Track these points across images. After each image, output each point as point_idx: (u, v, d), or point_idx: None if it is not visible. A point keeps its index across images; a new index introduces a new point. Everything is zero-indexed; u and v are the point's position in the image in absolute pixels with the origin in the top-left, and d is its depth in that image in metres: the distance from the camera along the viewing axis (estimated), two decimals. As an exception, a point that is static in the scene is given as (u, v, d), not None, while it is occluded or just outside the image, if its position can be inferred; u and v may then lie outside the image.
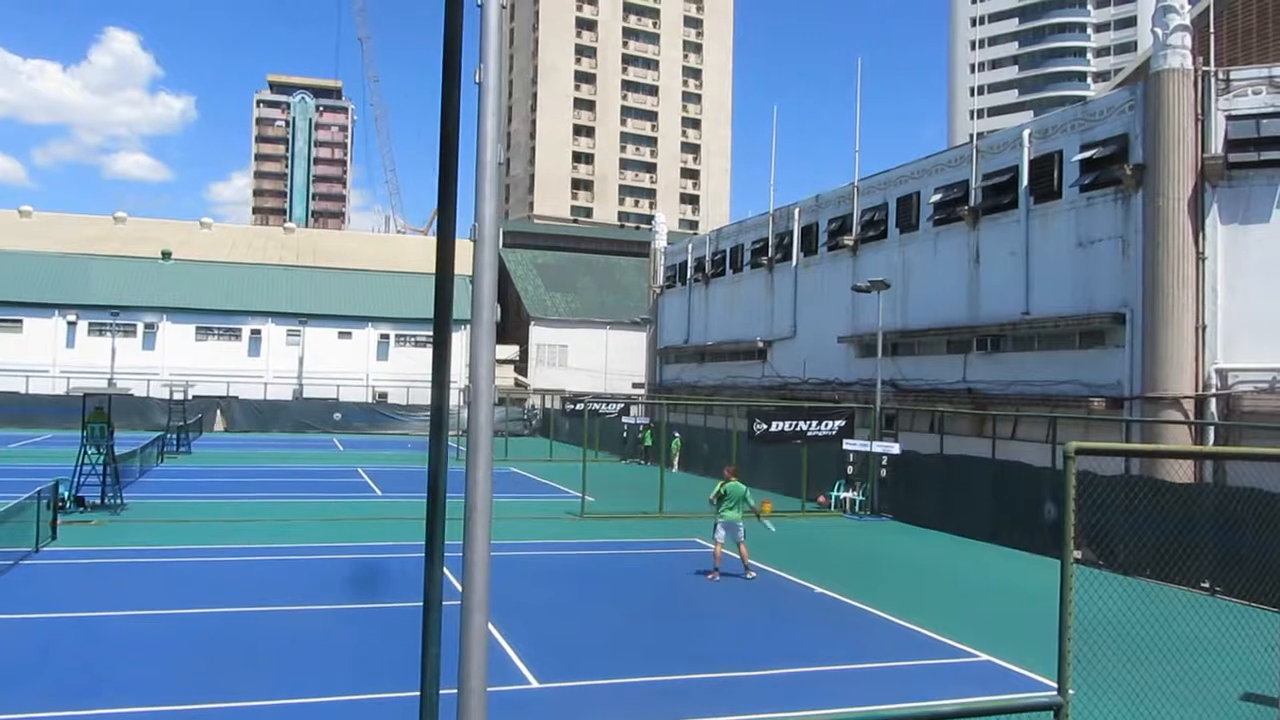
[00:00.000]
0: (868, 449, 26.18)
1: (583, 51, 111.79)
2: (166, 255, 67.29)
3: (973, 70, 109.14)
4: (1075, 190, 26.25)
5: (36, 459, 35.05)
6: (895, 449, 26.01)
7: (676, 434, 39.27)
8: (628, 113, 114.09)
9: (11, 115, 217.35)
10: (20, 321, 58.67)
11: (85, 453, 23.17)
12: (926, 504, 25.03)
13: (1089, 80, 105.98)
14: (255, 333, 62.23)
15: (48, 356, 58.28)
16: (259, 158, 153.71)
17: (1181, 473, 19.72)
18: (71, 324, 59.11)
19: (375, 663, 11.77)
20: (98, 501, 23.02)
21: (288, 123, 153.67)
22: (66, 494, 21.89)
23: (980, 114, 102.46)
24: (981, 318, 29.46)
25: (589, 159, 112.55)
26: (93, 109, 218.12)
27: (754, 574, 17.43)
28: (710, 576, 17.38)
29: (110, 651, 12.00)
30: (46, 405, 51.77)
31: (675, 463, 37.87)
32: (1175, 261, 23.01)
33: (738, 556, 17.50)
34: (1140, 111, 24.04)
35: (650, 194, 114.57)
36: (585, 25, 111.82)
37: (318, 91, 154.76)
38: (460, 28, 4.95)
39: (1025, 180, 27.94)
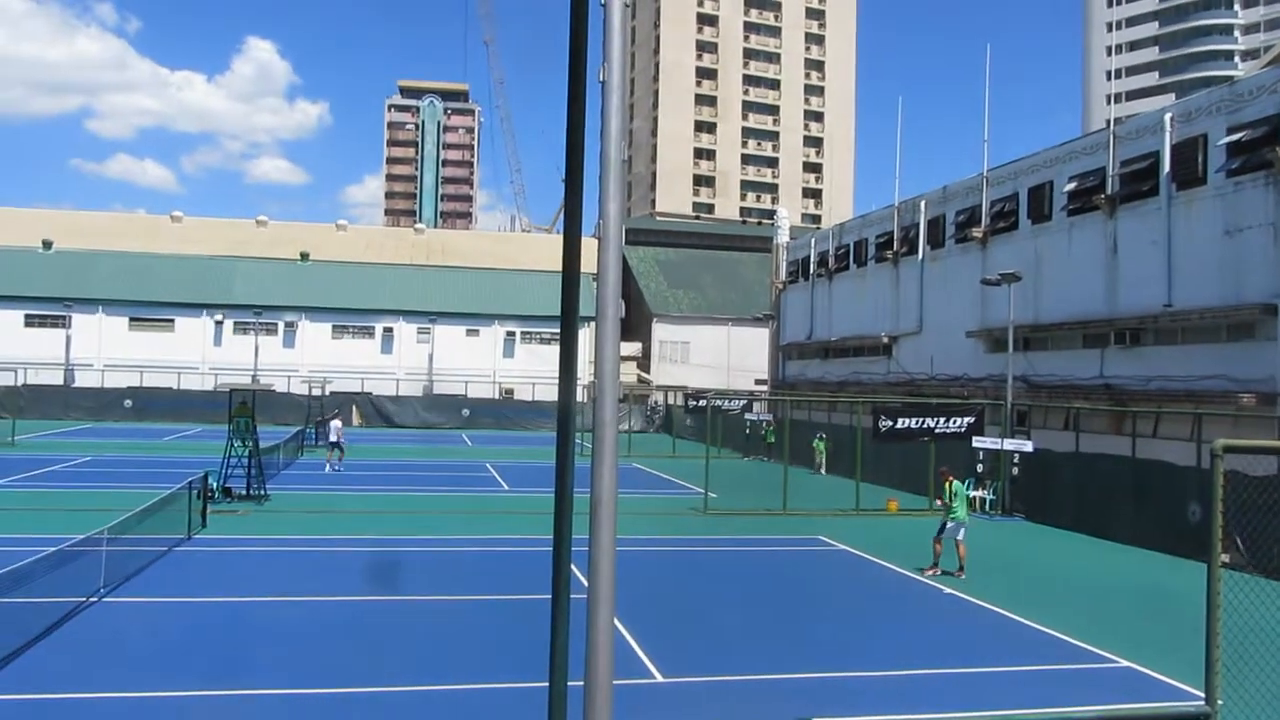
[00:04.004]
0: (999, 447, 25.45)
1: (704, 47, 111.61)
2: (305, 257, 70.05)
3: (1109, 53, 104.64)
4: (1221, 176, 24.94)
5: (188, 451, 37.00)
6: (1028, 447, 25.21)
7: (823, 434, 37.14)
8: (749, 108, 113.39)
9: (162, 125, 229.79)
10: (172, 321, 61.99)
11: (232, 445, 24.32)
12: (1061, 504, 24.18)
13: (1236, 59, 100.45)
14: (388, 330, 64.24)
15: (197, 354, 61.43)
16: (390, 160, 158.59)
17: (1342, 473, 18.53)
18: (219, 323, 62.16)
19: (505, 653, 12.03)
20: (244, 492, 24.14)
21: (417, 126, 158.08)
22: (215, 485, 23.01)
23: (1117, 98, 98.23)
24: (1120, 310, 28.28)
25: (710, 155, 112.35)
26: (235, 116, 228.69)
27: (964, 574, 17.43)
28: (929, 572, 17.65)
29: (256, 635, 12.60)
30: (196, 400, 54.54)
31: (823, 466, 36.14)
32: (1334, 249, 21.65)
33: (932, 550, 17.85)
34: (1295, 91, 22.68)
35: (772, 189, 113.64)
36: (706, 21, 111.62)
37: (446, 95, 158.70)
38: (585, 27, 5.01)
39: (1167, 166, 26.67)
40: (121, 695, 10.12)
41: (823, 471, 35.60)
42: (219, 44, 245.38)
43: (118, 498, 21.63)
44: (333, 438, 32.32)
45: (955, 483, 18.01)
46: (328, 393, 50.78)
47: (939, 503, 18.26)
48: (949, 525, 17.67)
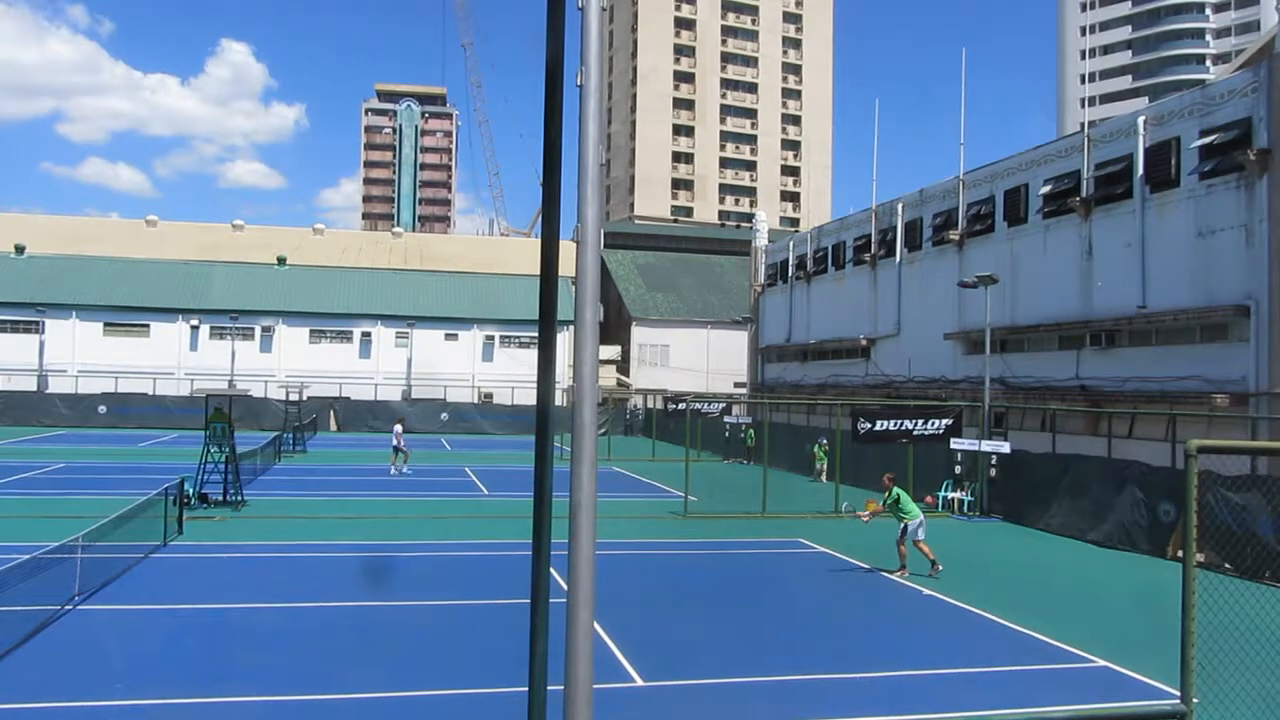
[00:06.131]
0: (976, 448, 25.60)
1: (681, 51, 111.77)
2: (282, 261, 69.62)
3: (1083, 56, 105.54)
4: (1194, 178, 25.22)
5: (164, 457, 36.68)
6: (1005, 448, 25.37)
7: (824, 440, 33.95)
8: (727, 111, 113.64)
9: (135, 128, 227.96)
10: (147, 326, 61.46)
11: (208, 451, 24.15)
12: (1038, 505, 24.35)
13: (1208, 63, 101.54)
14: (366, 335, 63.93)
15: (173, 359, 60.93)
16: (367, 164, 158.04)
17: (1314, 473, 18.76)
18: (194, 328, 61.65)
19: (484, 658, 11.99)
20: (220, 498, 23.96)
21: (395, 130, 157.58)
22: (191, 491, 22.82)
23: (1091, 102, 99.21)
24: (1095, 312, 28.53)
25: (689, 159, 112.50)
26: (210, 119, 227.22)
27: (940, 567, 17.60)
28: (898, 574, 17.65)
29: (234, 641, 12.50)
30: (172, 406, 54.19)
31: (823, 473, 32.98)
32: (1305, 251, 21.92)
33: (897, 553, 17.86)
34: (1265, 94, 22.96)
35: (751, 192, 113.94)
36: (684, 25, 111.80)
37: (423, 98, 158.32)
38: (562, 31, 5.00)
39: (1140, 169, 26.95)
40: (98, 704, 10.01)
41: (823, 479, 32.97)
42: (193, 46, 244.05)
43: (93, 504, 21.41)
44: (395, 443, 33.58)
45: (896, 488, 18.05)
46: (305, 397, 50.45)
47: (869, 507, 18.21)
48: (907, 527, 17.72)
